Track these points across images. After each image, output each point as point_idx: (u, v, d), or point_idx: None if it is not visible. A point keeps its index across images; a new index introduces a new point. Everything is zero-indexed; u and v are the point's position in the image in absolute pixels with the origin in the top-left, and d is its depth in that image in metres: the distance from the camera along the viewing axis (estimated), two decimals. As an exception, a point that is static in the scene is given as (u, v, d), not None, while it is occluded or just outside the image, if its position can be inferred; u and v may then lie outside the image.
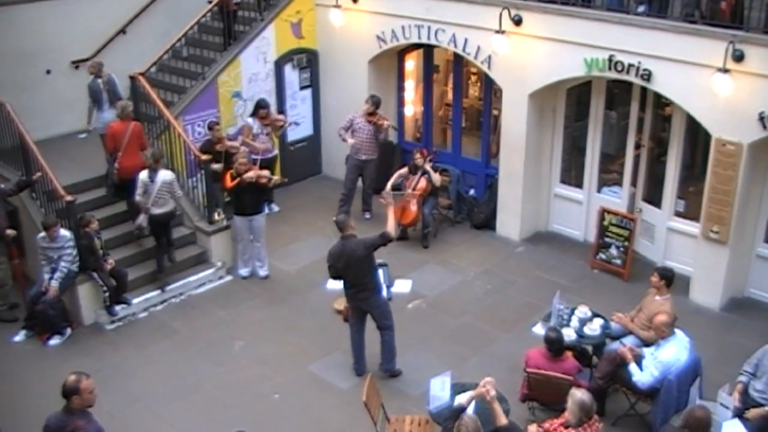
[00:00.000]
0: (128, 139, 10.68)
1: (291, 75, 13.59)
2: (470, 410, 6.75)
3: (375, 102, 12.16)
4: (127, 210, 11.11)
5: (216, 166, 11.21)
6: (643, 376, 7.73)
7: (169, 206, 10.56)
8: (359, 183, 12.65)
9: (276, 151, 12.84)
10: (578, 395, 6.53)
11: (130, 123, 10.80)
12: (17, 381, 8.99)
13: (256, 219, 10.87)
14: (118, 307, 10.22)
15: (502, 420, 6.46)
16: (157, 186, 10.33)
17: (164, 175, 10.45)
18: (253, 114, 12.43)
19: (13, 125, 10.56)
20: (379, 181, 13.33)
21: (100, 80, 11.65)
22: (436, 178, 11.78)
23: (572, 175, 12.11)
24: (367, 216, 12.70)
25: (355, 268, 8.58)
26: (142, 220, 10.59)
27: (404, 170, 12.05)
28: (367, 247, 8.54)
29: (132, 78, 11.95)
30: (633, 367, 7.80)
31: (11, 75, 12.12)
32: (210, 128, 11.87)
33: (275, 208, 13.02)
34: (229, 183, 10.67)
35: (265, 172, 10.93)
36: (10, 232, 10.11)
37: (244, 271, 11.23)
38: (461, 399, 6.67)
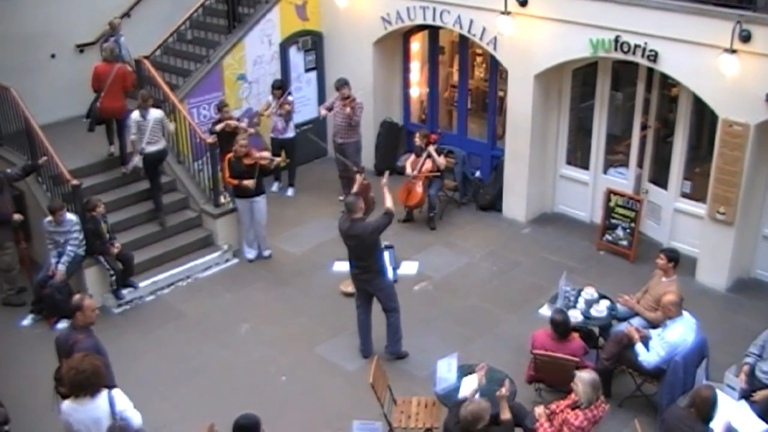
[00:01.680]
0: (111, 81, 10.88)
1: (296, 57, 13.56)
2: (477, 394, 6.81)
3: (343, 83, 12.03)
4: (127, 187, 11.37)
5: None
6: (649, 356, 7.74)
7: (161, 144, 10.91)
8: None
9: (291, 134, 12.84)
10: (587, 376, 6.56)
11: (114, 65, 10.98)
12: (25, 365, 9.03)
13: (257, 201, 10.88)
14: (124, 291, 10.27)
15: (506, 415, 6.56)
16: (150, 124, 10.67)
17: (155, 112, 10.82)
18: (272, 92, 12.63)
19: (19, 110, 10.57)
20: (386, 162, 13.33)
21: (112, 38, 12.11)
22: (441, 161, 11.75)
23: (578, 157, 12.06)
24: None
25: (360, 249, 8.60)
26: (137, 161, 10.95)
27: (413, 157, 12.01)
28: (373, 230, 8.52)
29: (137, 61, 11.98)
30: (639, 347, 7.81)
31: (16, 59, 12.09)
32: (219, 109, 11.88)
33: (290, 192, 13.04)
34: (227, 175, 10.73)
35: (266, 154, 10.94)
36: (16, 216, 10.12)
37: (250, 254, 11.25)
38: (464, 392, 6.73)
